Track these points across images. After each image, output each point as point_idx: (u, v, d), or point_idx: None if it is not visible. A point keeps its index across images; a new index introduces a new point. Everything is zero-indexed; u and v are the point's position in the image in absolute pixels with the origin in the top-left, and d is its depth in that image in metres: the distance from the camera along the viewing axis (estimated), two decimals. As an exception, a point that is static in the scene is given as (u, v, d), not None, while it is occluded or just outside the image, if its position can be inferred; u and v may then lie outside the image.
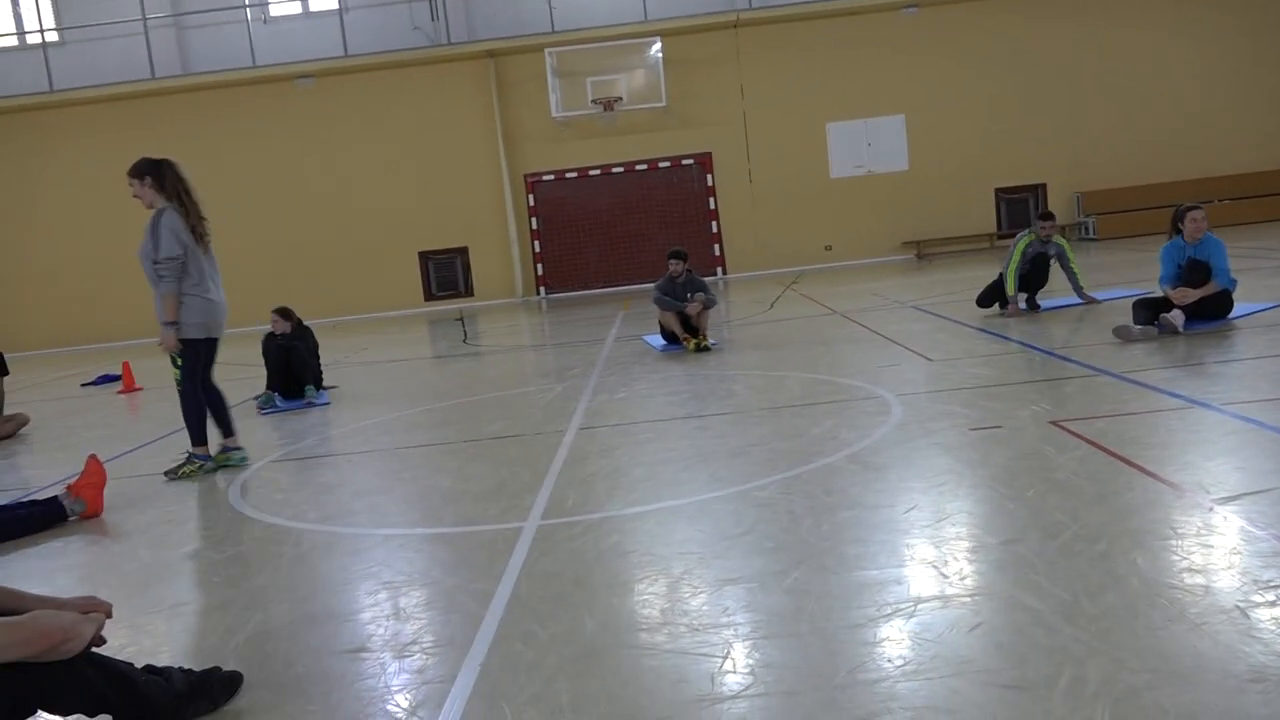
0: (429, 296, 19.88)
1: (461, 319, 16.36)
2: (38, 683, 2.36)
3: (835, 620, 2.83)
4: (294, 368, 8.36)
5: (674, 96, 19.04)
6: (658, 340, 9.72)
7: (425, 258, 19.80)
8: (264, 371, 8.54)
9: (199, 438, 5.88)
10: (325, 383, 8.79)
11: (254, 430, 7.34)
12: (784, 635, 2.77)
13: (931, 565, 3.18)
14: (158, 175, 5.89)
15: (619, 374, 8.19)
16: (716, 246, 19.82)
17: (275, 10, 19.36)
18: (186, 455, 5.88)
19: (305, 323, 9.01)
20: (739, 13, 19.01)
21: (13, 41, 19.27)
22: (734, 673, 2.59)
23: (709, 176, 19.72)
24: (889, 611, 2.84)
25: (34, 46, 19.14)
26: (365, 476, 5.48)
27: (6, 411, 8.69)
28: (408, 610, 3.33)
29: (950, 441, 4.74)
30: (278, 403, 8.27)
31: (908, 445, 4.76)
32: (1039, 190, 19.75)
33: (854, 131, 19.59)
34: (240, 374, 11.09)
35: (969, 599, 2.88)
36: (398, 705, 2.63)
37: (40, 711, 2.44)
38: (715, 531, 3.77)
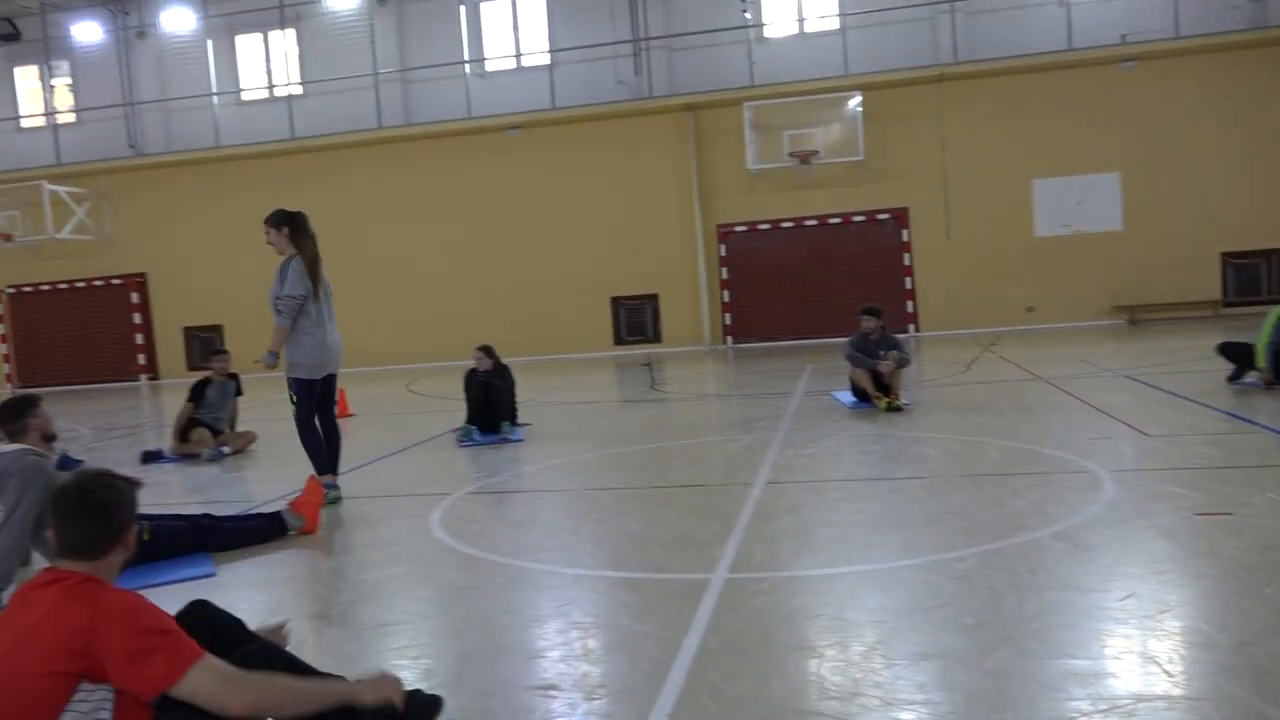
0: (618, 341, 20.33)
1: (649, 364, 16.63)
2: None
3: (1042, 710, 2.67)
4: (492, 404, 8.72)
5: (872, 150, 18.82)
6: (847, 397, 9.55)
7: (617, 303, 20.31)
8: (465, 405, 8.95)
9: (320, 467, 6.26)
10: (520, 420, 9.12)
11: (453, 461, 7.70)
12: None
13: (1153, 661, 2.94)
14: (292, 225, 6.52)
15: (807, 429, 8.09)
16: (910, 303, 19.32)
17: (491, 66, 20.56)
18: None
19: (503, 361, 9.39)
20: (943, 67, 18.64)
21: (263, 94, 21.34)
22: (931, 754, 2.48)
23: (905, 231, 19.31)
24: (1104, 707, 2.65)
25: (280, 99, 21.12)
26: (556, 515, 5.63)
27: (238, 429, 9.49)
28: (596, 653, 3.38)
29: (1171, 525, 4.40)
30: (476, 436, 8.64)
31: (1122, 526, 4.45)
32: (1273, 256, 18.18)
33: (1063, 188, 18.72)
34: (443, 407, 11.69)
35: (1198, 703, 2.65)
36: (587, 747, 2.66)
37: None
38: (909, 602, 3.64)
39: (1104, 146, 18.42)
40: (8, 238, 20.80)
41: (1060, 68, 18.40)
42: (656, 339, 20.25)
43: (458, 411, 9.64)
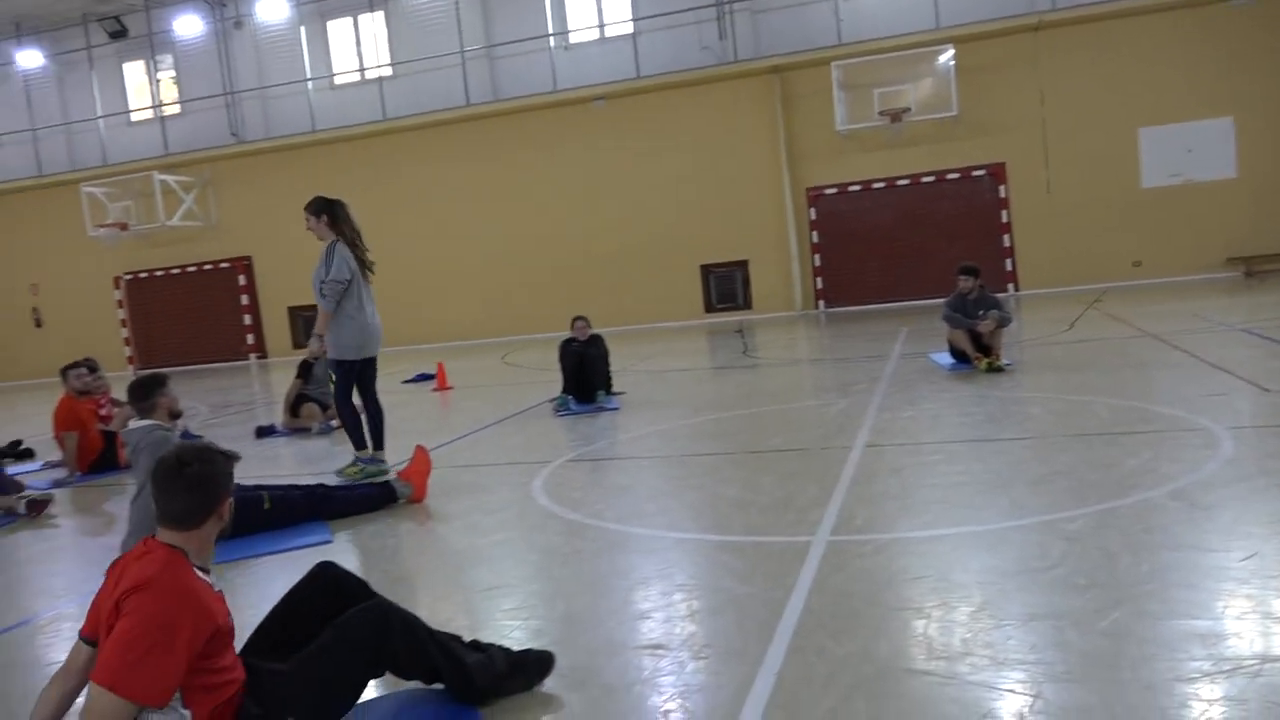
0: (709, 308, 20.29)
1: (741, 331, 16.57)
2: (392, 655, 2.69)
3: (1161, 670, 2.61)
4: (587, 373, 8.83)
5: (965, 105, 18.26)
6: (945, 359, 9.37)
7: (706, 270, 20.24)
8: (560, 376, 9.08)
9: (358, 442, 6.56)
10: (615, 388, 9.22)
11: (551, 430, 7.84)
12: (1102, 680, 2.59)
13: (1278, 620, 2.85)
14: (331, 213, 6.68)
15: (904, 392, 7.98)
16: (1009, 261, 18.76)
17: (575, 38, 20.59)
18: (353, 458, 6.55)
19: (597, 331, 9.48)
20: (1040, 14, 17.92)
21: (355, 78, 21.81)
22: (1046, 714, 2.45)
23: (1002, 188, 18.72)
24: (1228, 668, 2.58)
25: (371, 81, 21.56)
26: (655, 480, 5.70)
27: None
28: (701, 614, 3.43)
29: (1296, 483, 4.22)
30: (572, 406, 8.77)
31: (1243, 484, 4.28)
32: (1405, 199, 17.05)
33: (1171, 136, 17.85)
34: (539, 377, 11.88)
35: (1328, 662, 2.56)
36: (697, 704, 2.72)
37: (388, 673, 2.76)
38: (1018, 563, 3.58)
39: (1215, 90, 17.49)
40: (124, 227, 21.81)
41: (1165, 9, 17.50)
42: (747, 305, 20.14)
43: (553, 382, 9.79)
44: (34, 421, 12.42)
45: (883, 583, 3.52)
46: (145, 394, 5.03)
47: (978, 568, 3.58)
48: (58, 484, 7.61)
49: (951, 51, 17.98)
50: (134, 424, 5.05)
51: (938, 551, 3.81)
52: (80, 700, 2.42)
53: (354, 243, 6.72)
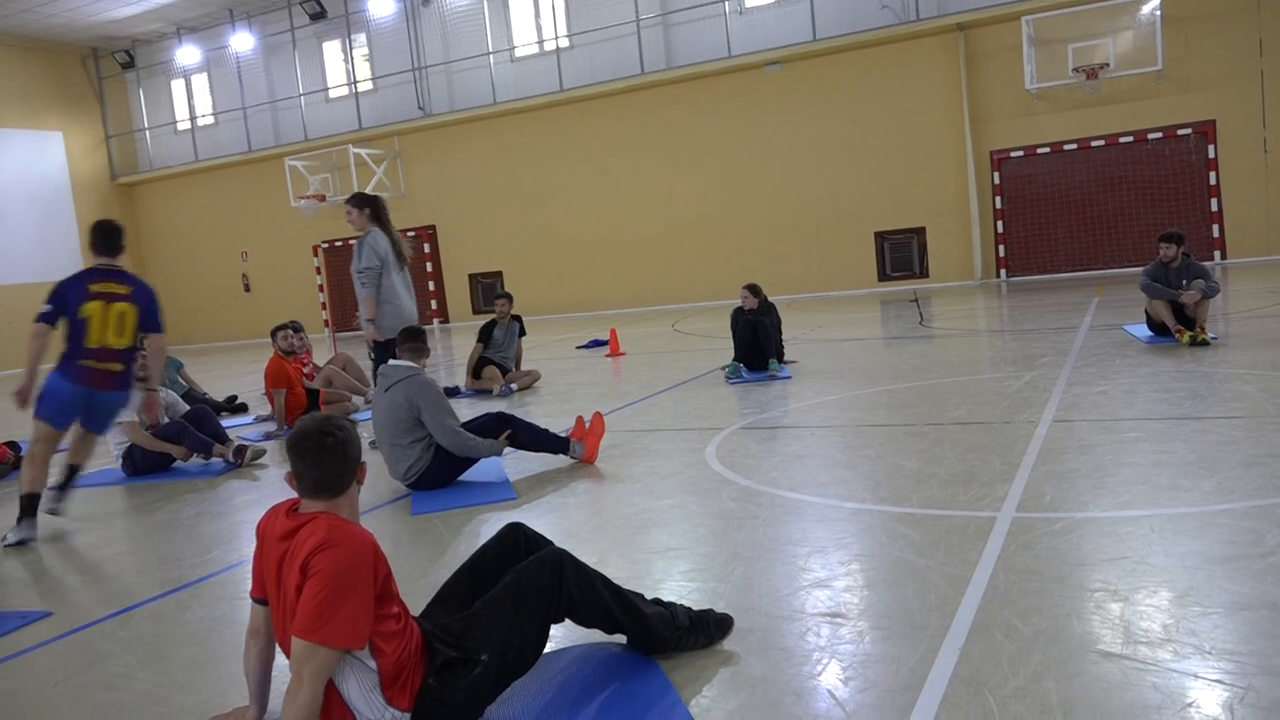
0: (883, 277, 19.77)
1: (916, 300, 16.07)
2: (569, 599, 2.80)
3: (1395, 670, 2.41)
4: (759, 341, 8.81)
5: (1172, 58, 16.91)
6: (1142, 331, 8.81)
7: (881, 237, 19.71)
8: (731, 343, 9.10)
9: None
10: (786, 357, 9.15)
11: (723, 398, 7.89)
12: (1324, 676, 2.41)
13: None
14: (373, 207, 7.24)
15: (1097, 365, 7.55)
16: (1216, 227, 17.34)
17: (750, 2, 20.32)
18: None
19: (770, 299, 9.43)
20: (1264, -45, 16.34)
21: (534, 50, 22.34)
22: (1259, 708, 2.31)
23: (1211, 148, 17.26)
24: None
25: (549, 53, 22.03)
26: (830, 450, 5.64)
27: (523, 367, 10.19)
28: (881, 585, 3.40)
29: None
30: (743, 373, 8.78)
31: None
32: None
33: None
34: (710, 345, 11.94)
35: None
36: (878, 674, 2.70)
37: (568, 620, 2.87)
38: (1227, 548, 3.36)
39: None
40: (321, 198, 23.26)
41: None
42: (923, 274, 19.50)
43: (724, 350, 9.82)
44: (244, 379, 13.52)
45: (1074, 562, 3.38)
46: (418, 337, 5.73)
47: (1181, 551, 3.39)
48: (268, 436, 8.28)
49: (1158, 0, 16.67)
50: (395, 362, 5.63)
51: (1136, 533, 3.62)
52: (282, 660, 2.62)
53: (390, 235, 7.28)
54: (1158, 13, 16.72)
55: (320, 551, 2.36)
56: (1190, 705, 2.35)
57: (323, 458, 2.50)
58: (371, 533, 2.50)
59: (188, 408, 7.46)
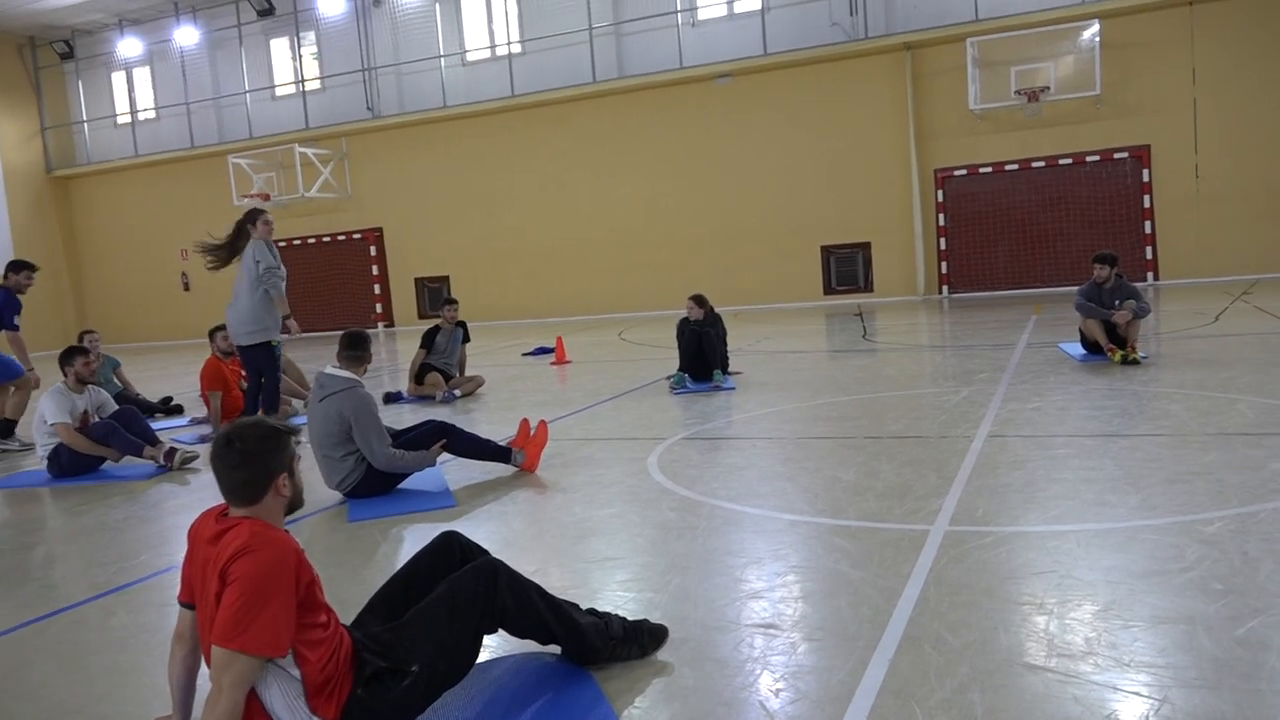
0: (828, 290, 20.01)
1: (860, 314, 16.29)
2: (502, 609, 2.78)
3: (1303, 683, 2.49)
4: (704, 352, 8.85)
5: (1110, 84, 17.40)
6: (1076, 349, 9.02)
7: (827, 252, 19.95)
8: (677, 353, 9.13)
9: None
10: (731, 369, 9.21)
11: (667, 408, 7.91)
12: (1236, 689, 2.49)
13: None
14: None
15: (1031, 382, 7.73)
16: (1149, 249, 17.85)
17: (703, 14, 20.47)
18: None
19: (716, 310, 9.48)
20: (1197, -12, 16.89)
21: (486, 54, 22.24)
22: (1173, 719, 2.38)
23: (1145, 172, 17.78)
24: (1377, 684, 2.44)
25: (501, 58, 21.95)
26: (770, 462, 5.69)
27: (467, 373, 10.12)
28: (815, 596, 3.43)
29: None
30: (688, 384, 8.81)
31: (1403, 494, 4.01)
32: None
33: (1338, 119, 16.62)
34: (655, 354, 11.97)
35: None
36: (809, 685, 2.73)
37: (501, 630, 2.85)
38: (1149, 563, 3.46)
39: (1393, 69, 16.19)
40: (266, 197, 22.87)
41: (1341, -19, 16.26)
42: (868, 288, 19.78)
43: (669, 359, 9.85)
44: (182, 379, 13.23)
45: (1003, 576, 3.45)
46: (360, 345, 5.55)
47: (1105, 566, 3.47)
48: (203, 439, 8.11)
49: (1097, 27, 17.17)
50: (332, 370, 5.37)
51: (1063, 547, 3.71)
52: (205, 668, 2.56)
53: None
54: (1097, 39, 17.20)
55: (239, 557, 2.31)
56: (1109, 717, 2.41)
57: (230, 465, 2.45)
58: (295, 539, 2.46)
59: (117, 408, 7.27)
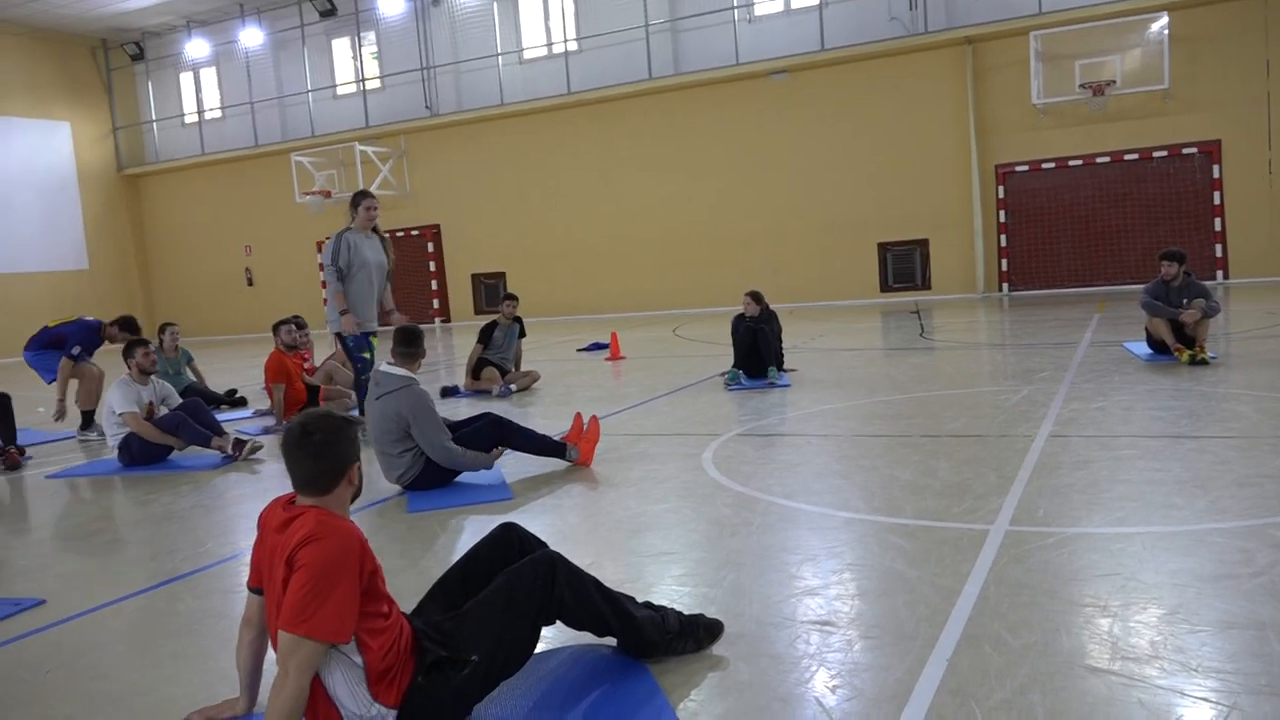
0: (884, 288, 19.79)
1: (918, 312, 16.09)
2: (560, 602, 2.80)
3: (1380, 692, 2.41)
4: (759, 349, 8.82)
5: (1178, 77, 16.94)
6: (1142, 348, 8.82)
7: (884, 248, 19.73)
8: (731, 350, 9.11)
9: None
10: (786, 365, 9.17)
11: (721, 404, 7.90)
12: (1309, 696, 2.42)
13: None
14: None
15: (1095, 381, 7.57)
16: (1219, 247, 17.36)
17: (759, 10, 20.37)
18: None
19: (771, 307, 9.44)
20: (1273, -23, 16.37)
21: (542, 52, 22.39)
22: (1243, 725, 2.32)
23: (1215, 167, 17.29)
24: None
25: (558, 55, 22.07)
26: (825, 459, 5.65)
27: (523, 368, 10.21)
28: (871, 594, 3.41)
29: None
30: (743, 380, 8.79)
31: None
32: None
33: None
34: (710, 351, 11.95)
35: None
36: (865, 683, 2.72)
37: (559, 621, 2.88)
38: (1217, 567, 3.37)
39: None
40: (327, 194, 23.30)
41: None
42: (925, 285, 19.52)
43: (724, 356, 9.83)
44: (246, 373, 13.53)
45: (1066, 577, 3.39)
46: (413, 342, 5.53)
47: (1172, 569, 3.40)
48: (267, 430, 8.29)
49: (1166, 19, 16.73)
50: (388, 367, 5.46)
51: (1128, 549, 3.63)
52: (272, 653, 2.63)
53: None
54: (1165, 32, 16.76)
55: (306, 545, 2.37)
56: (1175, 722, 2.36)
57: (306, 456, 2.50)
58: (360, 528, 2.51)
59: (180, 400, 7.46)
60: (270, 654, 2.63)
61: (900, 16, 18.94)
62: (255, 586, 2.66)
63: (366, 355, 7.47)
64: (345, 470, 2.55)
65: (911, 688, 2.64)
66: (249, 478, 6.48)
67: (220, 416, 9.05)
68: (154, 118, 26.97)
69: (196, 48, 25.64)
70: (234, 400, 10.48)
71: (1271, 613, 2.94)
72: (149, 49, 26.46)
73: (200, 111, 26.45)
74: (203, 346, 21.74)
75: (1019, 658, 2.77)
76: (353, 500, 2.64)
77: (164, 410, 7.22)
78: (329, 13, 23.63)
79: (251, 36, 24.80)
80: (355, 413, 8.58)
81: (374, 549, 2.57)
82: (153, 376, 7.36)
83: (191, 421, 7.05)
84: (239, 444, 6.98)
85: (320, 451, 2.50)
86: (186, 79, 26.65)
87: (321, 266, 7.58)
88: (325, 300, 7.57)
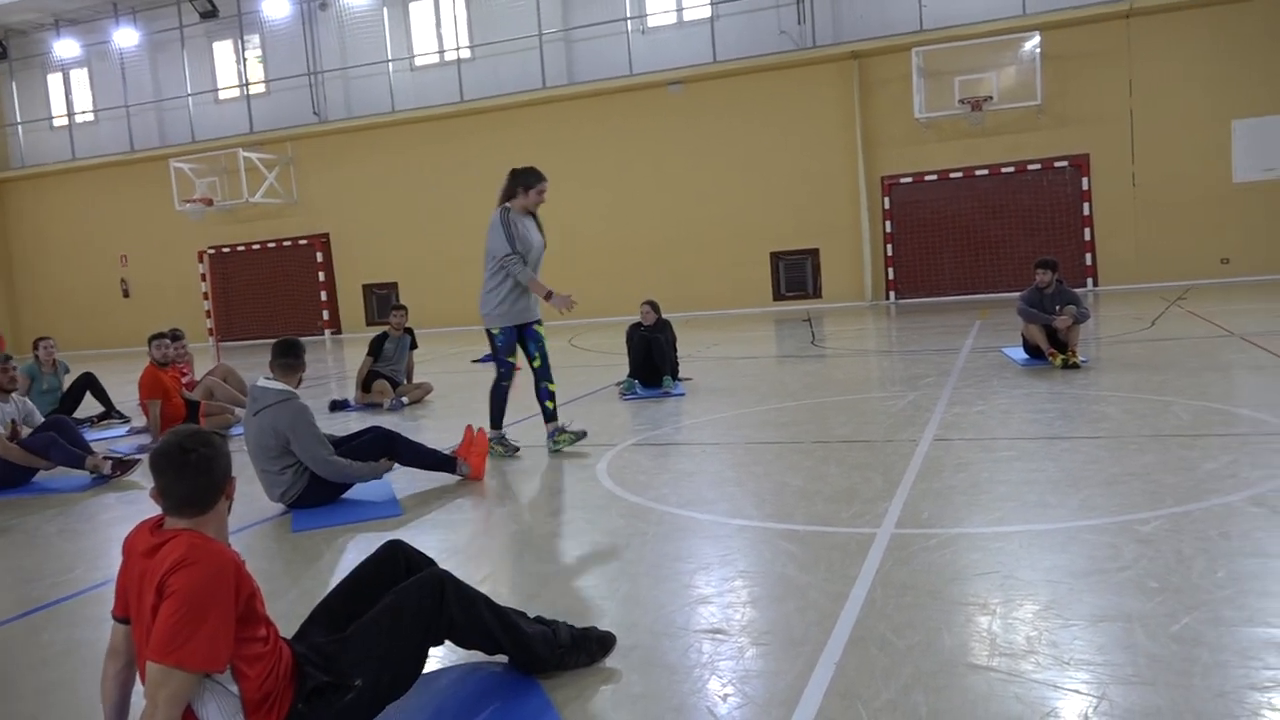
0: (777, 296, 20.17)
1: (809, 320, 16.44)
2: (449, 622, 2.74)
3: (1234, 677, 2.55)
4: (654, 358, 8.87)
5: (1050, 94, 17.79)
6: (1019, 353, 9.19)
7: (776, 258, 20.11)
8: (627, 359, 9.13)
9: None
10: (681, 374, 9.23)
11: (617, 414, 7.90)
12: (1171, 685, 2.54)
13: (1361, 633, 2.76)
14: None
15: (976, 386, 7.85)
16: (1089, 256, 18.28)
17: (652, 21, 20.55)
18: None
19: (665, 316, 9.50)
20: (1132, 1, 17.35)
21: (434, 60, 22.10)
22: (1111, 716, 2.42)
23: (1084, 180, 18.22)
24: (1305, 678, 2.51)
25: (450, 63, 21.82)
26: (719, 467, 5.71)
27: (415, 380, 10.02)
28: (762, 601, 3.44)
29: (1387, 494, 4.06)
30: (638, 390, 8.82)
31: (1329, 493, 4.14)
32: None
33: (1267, 129, 17.17)
34: (606, 361, 11.96)
35: None
36: (756, 690, 2.74)
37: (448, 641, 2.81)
38: (1088, 563, 3.52)
39: (1317, 81, 16.77)
40: (209, 202, 22.49)
41: (1269, -4, 16.82)
42: (816, 294, 19.98)
43: (620, 366, 9.85)
44: (122, 389, 12.90)
45: (948, 577, 3.49)
46: (292, 353, 5.32)
47: (1046, 566, 3.53)
48: (143, 449, 7.92)
49: (1038, 39, 17.55)
50: (266, 382, 5.26)
51: (1005, 548, 3.76)
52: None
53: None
54: (1038, 51, 17.58)
55: (177, 570, 2.26)
56: (1049, 715, 2.45)
57: (185, 474, 2.39)
58: (237, 550, 2.41)
59: (43, 419, 7.06)
60: (139, 686, 2.49)
61: (789, 30, 19.39)
62: (121, 615, 2.52)
63: (511, 359, 6.78)
64: (224, 487, 2.45)
65: (801, 692, 2.68)
66: (121, 499, 6.17)
67: (92, 436, 8.62)
68: (19, 120, 25.57)
69: (66, 47, 24.45)
70: (108, 417, 9.98)
71: (1137, 605, 3.09)
72: (13, 48, 25.11)
73: (70, 114, 25.21)
74: (75, 361, 20.66)
75: (903, 658, 2.83)
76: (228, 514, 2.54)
77: (27, 430, 6.81)
78: (210, 14, 22.85)
79: (126, 37, 23.80)
80: (238, 430, 8.28)
81: (256, 570, 2.47)
82: (13, 394, 6.95)
83: (62, 441, 6.67)
84: (120, 464, 6.63)
85: (200, 469, 2.39)
86: (55, 80, 25.37)
87: (502, 257, 6.62)
88: (486, 289, 6.75)
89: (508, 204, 6.61)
